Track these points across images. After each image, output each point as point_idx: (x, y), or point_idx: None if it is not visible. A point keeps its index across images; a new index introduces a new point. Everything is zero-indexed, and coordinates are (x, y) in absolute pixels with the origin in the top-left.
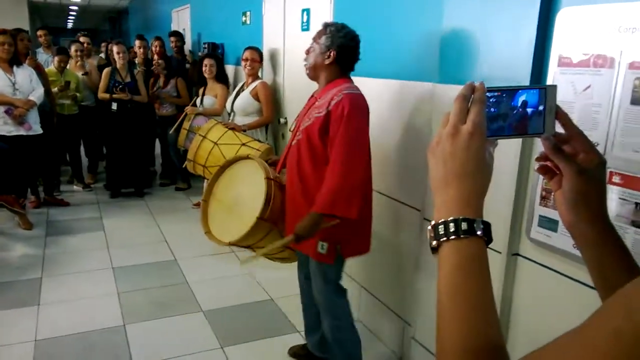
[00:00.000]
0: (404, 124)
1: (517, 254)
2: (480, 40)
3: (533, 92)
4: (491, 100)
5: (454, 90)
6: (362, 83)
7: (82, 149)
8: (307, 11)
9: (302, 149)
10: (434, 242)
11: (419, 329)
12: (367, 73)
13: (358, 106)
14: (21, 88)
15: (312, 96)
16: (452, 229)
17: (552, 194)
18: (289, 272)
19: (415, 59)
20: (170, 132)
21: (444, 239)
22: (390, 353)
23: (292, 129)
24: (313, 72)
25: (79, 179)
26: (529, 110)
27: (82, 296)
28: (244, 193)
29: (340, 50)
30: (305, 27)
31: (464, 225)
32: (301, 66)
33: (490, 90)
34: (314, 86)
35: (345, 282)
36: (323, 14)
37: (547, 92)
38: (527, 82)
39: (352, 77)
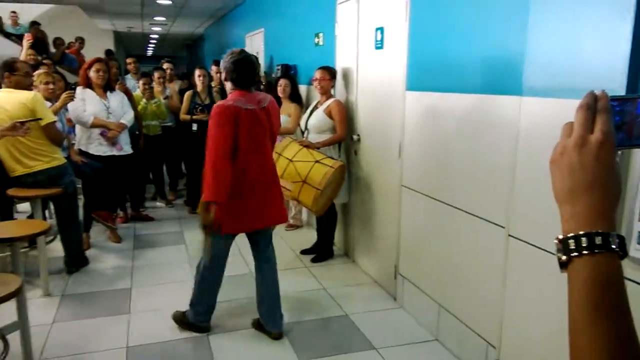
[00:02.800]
0: (485, 139)
1: None
2: (569, 51)
3: None
4: (616, 108)
5: (542, 104)
6: (442, 98)
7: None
8: (381, 30)
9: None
10: (564, 257)
11: (503, 351)
12: (447, 88)
13: (218, 115)
14: (114, 112)
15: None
16: (584, 244)
17: None
18: (364, 289)
19: (497, 72)
20: None
21: (576, 254)
22: None
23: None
24: (226, 87)
25: (162, 196)
26: None
27: (168, 306)
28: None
29: (226, 72)
30: (379, 45)
31: (598, 240)
32: (374, 83)
33: (612, 99)
34: (385, 103)
35: (423, 300)
36: (398, 31)
37: None
38: (622, 94)
39: (433, 93)
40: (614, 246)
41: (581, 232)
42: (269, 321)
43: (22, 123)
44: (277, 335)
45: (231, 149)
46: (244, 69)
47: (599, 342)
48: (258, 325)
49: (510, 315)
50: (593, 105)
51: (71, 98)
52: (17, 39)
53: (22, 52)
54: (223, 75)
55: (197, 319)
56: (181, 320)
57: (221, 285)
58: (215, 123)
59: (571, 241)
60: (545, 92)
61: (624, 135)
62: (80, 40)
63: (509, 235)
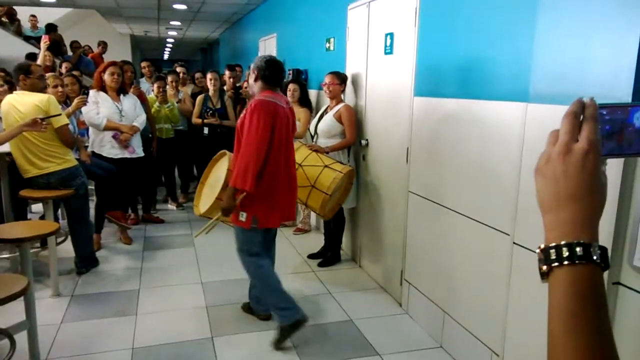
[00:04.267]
0: (492, 145)
1: (619, 283)
2: (575, 59)
3: None
4: (605, 117)
5: (547, 110)
6: (449, 104)
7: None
8: (390, 35)
9: (235, 141)
10: (544, 267)
11: (507, 359)
12: (454, 94)
13: (260, 107)
14: (127, 115)
15: None
16: (565, 254)
17: None
18: (370, 294)
19: (504, 78)
20: None
21: (556, 264)
22: None
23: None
24: (250, 89)
25: (173, 198)
26: None
27: (175, 308)
28: (217, 178)
29: (259, 71)
30: (389, 50)
31: (579, 250)
32: (383, 89)
33: (601, 107)
34: (393, 109)
35: (428, 306)
36: (407, 37)
37: None
38: (628, 102)
39: (440, 98)
40: (595, 257)
41: (562, 242)
42: (259, 303)
43: (42, 119)
44: (265, 317)
45: (268, 143)
46: (276, 68)
47: (574, 353)
48: (247, 309)
49: (514, 324)
50: (580, 113)
51: (84, 103)
52: (36, 42)
53: (39, 53)
54: (253, 76)
55: (289, 314)
56: (283, 333)
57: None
58: (257, 115)
59: (552, 251)
60: (551, 98)
61: (614, 144)
62: (103, 45)
63: (514, 242)
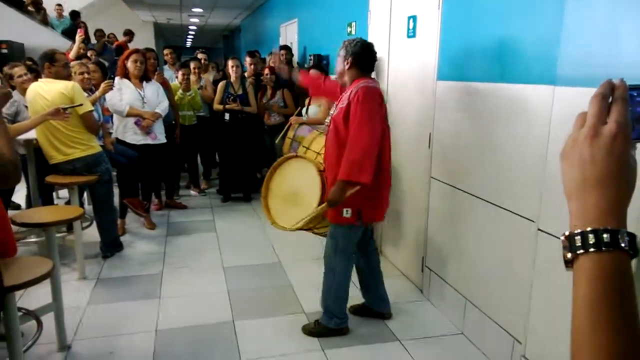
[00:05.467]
0: (516, 130)
1: None
2: (604, 41)
3: None
4: (636, 99)
5: (576, 93)
6: (473, 88)
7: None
8: (413, 18)
9: (330, 135)
10: (569, 255)
11: (529, 346)
12: (478, 78)
13: (370, 94)
14: (149, 102)
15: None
16: (591, 241)
17: None
18: (391, 281)
19: (530, 61)
20: (277, 141)
21: (582, 251)
22: None
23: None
24: (340, 78)
25: (195, 185)
26: None
27: (197, 292)
28: (299, 186)
29: (355, 57)
30: (412, 34)
31: (605, 237)
32: (406, 73)
33: (632, 88)
34: (415, 93)
35: (449, 293)
36: (430, 20)
37: None
38: None
39: (464, 82)
40: (622, 244)
41: (588, 229)
42: (382, 303)
43: (65, 109)
44: (389, 315)
45: (381, 132)
46: (371, 52)
47: (601, 346)
48: (360, 311)
49: (537, 311)
50: (609, 95)
51: (110, 87)
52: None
53: (74, 45)
54: (346, 62)
55: (337, 322)
56: (322, 331)
57: (255, 275)
58: (368, 103)
59: (577, 238)
60: (579, 81)
61: None
62: (130, 34)
63: (539, 229)
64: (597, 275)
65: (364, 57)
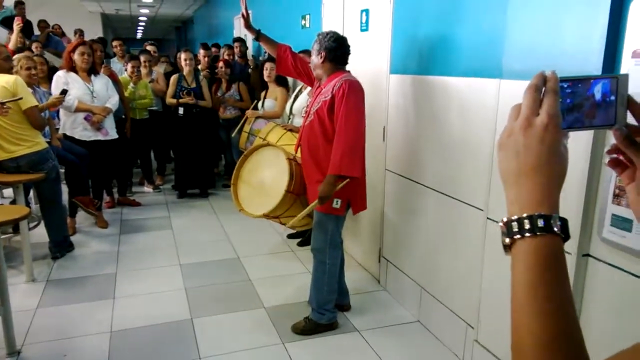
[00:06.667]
0: (466, 122)
1: (588, 255)
2: (547, 34)
3: (604, 82)
4: (566, 90)
5: (520, 86)
6: (425, 82)
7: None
8: (366, 12)
9: (314, 128)
10: (507, 240)
11: (481, 331)
12: (430, 71)
13: (354, 88)
14: (99, 96)
15: (318, 87)
16: (527, 226)
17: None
18: (349, 272)
19: (478, 55)
20: (233, 135)
21: (518, 236)
22: (452, 356)
23: (303, 115)
24: (314, 70)
25: (149, 181)
26: (600, 100)
27: (153, 291)
28: (269, 174)
29: (328, 51)
30: (365, 27)
31: (539, 222)
32: (360, 67)
33: (562, 80)
34: (369, 87)
35: (405, 282)
36: (383, 14)
37: (618, 82)
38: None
39: (416, 76)
40: (555, 229)
41: (524, 215)
42: (342, 296)
43: (2, 103)
44: (349, 307)
45: (364, 124)
46: (345, 46)
47: (539, 321)
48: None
49: (488, 297)
50: (541, 87)
51: (60, 102)
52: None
53: (11, 35)
54: (321, 57)
55: (329, 316)
56: (313, 328)
57: (213, 271)
58: (354, 97)
59: (514, 223)
60: (523, 74)
61: (577, 116)
62: (80, 33)
63: (488, 218)
64: (533, 258)
65: (337, 51)
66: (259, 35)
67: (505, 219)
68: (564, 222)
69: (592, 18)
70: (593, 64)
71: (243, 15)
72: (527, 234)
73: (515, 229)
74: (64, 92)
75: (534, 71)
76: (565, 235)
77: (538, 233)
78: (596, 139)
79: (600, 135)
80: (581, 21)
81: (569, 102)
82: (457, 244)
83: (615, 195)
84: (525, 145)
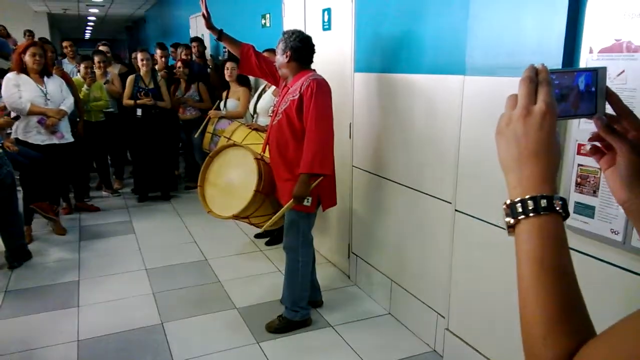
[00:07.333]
0: (430, 118)
1: None
2: (508, 32)
3: (587, 74)
4: (555, 82)
5: (483, 82)
6: (389, 79)
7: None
8: (327, 11)
9: (283, 127)
10: (512, 220)
11: (452, 320)
12: (394, 69)
13: (322, 87)
14: (52, 98)
15: (284, 86)
16: (530, 207)
17: (602, 173)
18: (319, 269)
19: (442, 52)
20: (195, 136)
21: (522, 216)
22: (425, 345)
23: (270, 114)
24: (279, 69)
25: (107, 185)
26: (584, 91)
27: (119, 297)
28: (236, 174)
29: (293, 51)
30: (327, 26)
31: (543, 203)
32: (323, 66)
33: (551, 72)
34: (334, 85)
35: (375, 276)
36: (344, 12)
37: (598, 74)
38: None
39: (380, 74)
40: (557, 208)
41: (527, 197)
42: (314, 292)
43: None
44: (321, 303)
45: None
46: (310, 45)
47: (545, 294)
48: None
49: (457, 286)
50: (534, 78)
51: (10, 124)
52: None
53: None
54: (286, 56)
55: (303, 313)
56: (287, 326)
57: (181, 275)
58: (322, 96)
59: (518, 205)
60: (486, 71)
61: (564, 106)
62: (30, 33)
63: (456, 210)
64: (537, 235)
65: (303, 50)
66: (221, 35)
67: (508, 202)
68: (564, 201)
69: (551, 15)
70: (554, 60)
71: (204, 15)
72: (532, 214)
73: (520, 210)
74: (16, 118)
75: (497, 68)
76: (566, 213)
77: (542, 212)
78: (558, 130)
79: (560, 127)
80: (541, 18)
81: (557, 92)
82: (425, 236)
83: (577, 184)
84: (525, 132)
